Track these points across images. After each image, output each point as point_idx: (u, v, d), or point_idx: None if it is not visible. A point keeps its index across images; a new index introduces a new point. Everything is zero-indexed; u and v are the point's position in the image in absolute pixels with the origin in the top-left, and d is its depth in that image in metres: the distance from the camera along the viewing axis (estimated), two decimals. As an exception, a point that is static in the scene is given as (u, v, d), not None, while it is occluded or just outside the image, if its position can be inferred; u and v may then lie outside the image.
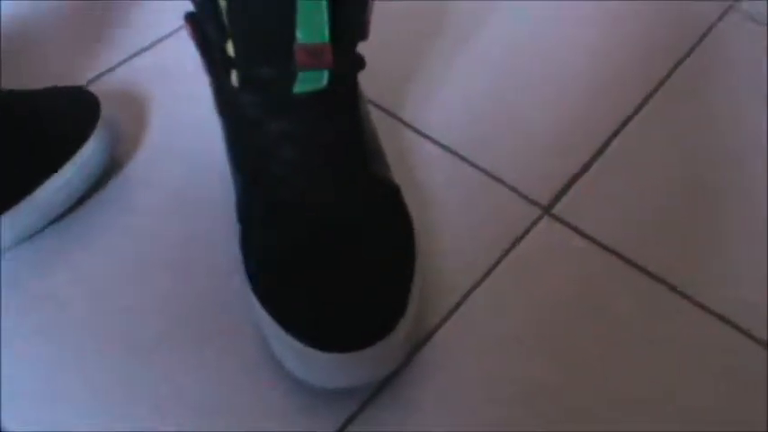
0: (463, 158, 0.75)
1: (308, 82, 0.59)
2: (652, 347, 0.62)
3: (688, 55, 0.84)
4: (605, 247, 0.68)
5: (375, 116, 0.78)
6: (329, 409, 0.58)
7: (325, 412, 0.58)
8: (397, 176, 0.72)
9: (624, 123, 0.78)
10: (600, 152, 0.76)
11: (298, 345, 0.55)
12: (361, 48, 0.75)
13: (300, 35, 0.57)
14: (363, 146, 0.63)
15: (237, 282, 0.64)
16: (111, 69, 0.80)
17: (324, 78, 0.60)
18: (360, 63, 0.65)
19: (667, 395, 0.60)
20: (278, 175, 0.60)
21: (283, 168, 0.60)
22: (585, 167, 0.74)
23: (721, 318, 0.64)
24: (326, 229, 0.58)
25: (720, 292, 0.65)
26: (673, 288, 0.65)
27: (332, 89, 0.60)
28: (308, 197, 0.59)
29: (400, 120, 0.78)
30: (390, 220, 0.61)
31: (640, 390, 0.60)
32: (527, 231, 0.69)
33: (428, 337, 0.62)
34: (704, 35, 0.86)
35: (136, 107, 0.77)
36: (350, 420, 0.58)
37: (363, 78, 0.78)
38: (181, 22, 0.83)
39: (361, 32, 0.62)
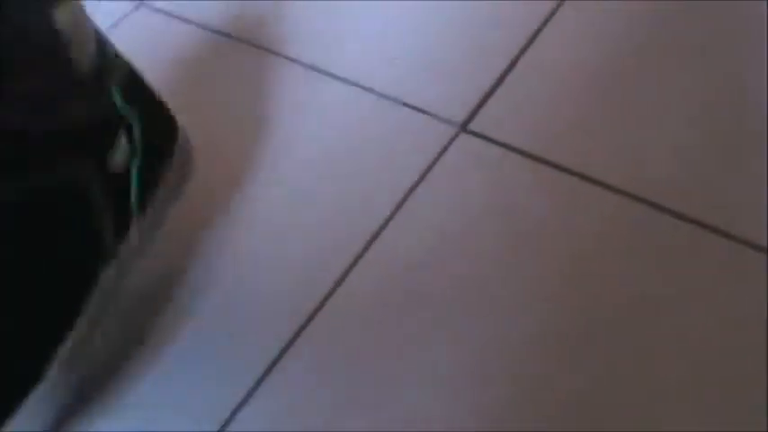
0: (372, 91, 0.76)
1: None
2: (577, 241, 0.63)
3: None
4: (523, 153, 0.69)
5: (276, 62, 0.79)
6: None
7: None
8: (311, 120, 0.74)
9: (532, 37, 0.79)
10: (511, 65, 0.76)
11: None
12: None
13: None
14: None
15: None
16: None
17: None
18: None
19: (586, 278, 0.61)
20: None
21: None
22: (498, 82, 0.75)
23: (632, 196, 0.65)
24: None
25: (632, 173, 0.67)
26: (588, 178, 0.67)
27: None
28: None
29: (303, 63, 0.79)
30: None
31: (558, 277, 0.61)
32: (444, 150, 0.70)
33: (350, 268, 0.64)
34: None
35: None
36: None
37: (249, 23, 0.82)
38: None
39: None
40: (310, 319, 0.61)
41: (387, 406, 0.55)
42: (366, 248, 0.64)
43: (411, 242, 0.64)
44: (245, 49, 0.81)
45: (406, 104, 0.74)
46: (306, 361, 0.59)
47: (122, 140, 0.53)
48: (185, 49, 0.81)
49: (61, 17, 0.46)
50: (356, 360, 0.58)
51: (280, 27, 0.83)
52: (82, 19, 0.50)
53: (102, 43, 0.53)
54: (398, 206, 0.67)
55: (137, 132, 0.55)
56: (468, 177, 0.68)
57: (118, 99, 0.53)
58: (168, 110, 0.60)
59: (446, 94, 0.75)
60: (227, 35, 0.83)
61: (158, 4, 0.86)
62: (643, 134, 0.69)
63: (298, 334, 0.60)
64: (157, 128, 0.58)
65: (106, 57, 0.53)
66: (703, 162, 0.67)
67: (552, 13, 0.81)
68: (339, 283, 0.63)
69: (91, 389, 0.55)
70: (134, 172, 0.55)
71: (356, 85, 0.77)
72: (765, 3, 0.77)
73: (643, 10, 0.79)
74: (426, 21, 0.82)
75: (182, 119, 0.67)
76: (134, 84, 0.56)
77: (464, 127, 0.72)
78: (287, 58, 0.80)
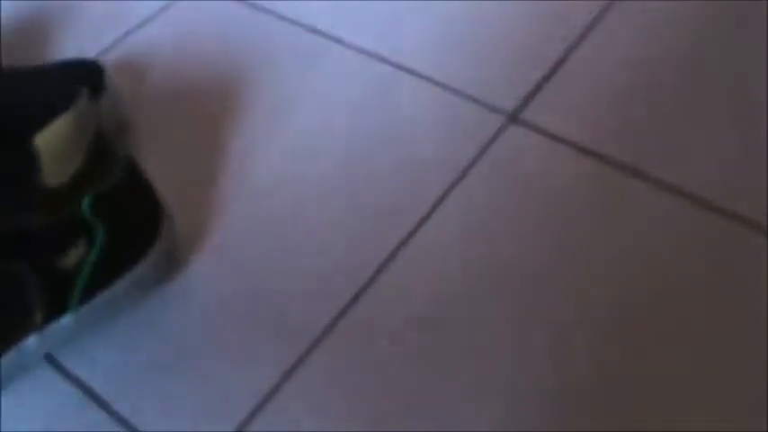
0: (424, 77, 0.77)
1: None
2: (619, 233, 0.64)
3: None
4: (571, 145, 0.70)
5: (329, 46, 0.81)
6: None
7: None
8: (360, 104, 0.75)
9: (585, 31, 0.78)
10: (563, 58, 0.76)
11: None
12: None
13: None
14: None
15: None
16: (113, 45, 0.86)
17: None
18: None
19: (627, 262, 0.62)
20: None
21: None
22: (550, 74, 0.75)
23: (680, 192, 0.66)
24: None
25: (681, 169, 0.67)
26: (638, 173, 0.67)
27: None
28: None
29: (356, 47, 0.81)
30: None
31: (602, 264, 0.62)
32: (493, 139, 0.71)
33: (390, 258, 0.65)
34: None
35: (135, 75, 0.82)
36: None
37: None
38: None
39: None
40: (355, 299, 0.62)
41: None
42: (410, 236, 0.65)
43: (454, 231, 0.65)
44: (305, 37, 0.83)
45: (456, 92, 0.75)
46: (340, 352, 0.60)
47: (79, 245, 0.55)
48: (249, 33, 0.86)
49: (43, 138, 0.51)
50: (399, 351, 0.59)
51: (335, 9, 0.85)
52: (78, 135, 0.53)
53: (99, 152, 0.55)
54: (446, 193, 0.68)
55: (99, 238, 0.56)
56: (516, 167, 0.69)
57: (87, 209, 0.55)
58: (156, 208, 0.61)
59: (497, 83, 0.75)
60: (290, 20, 0.86)
61: None
62: (689, 131, 0.69)
63: (344, 310, 0.62)
64: (133, 231, 0.59)
65: (95, 165, 0.55)
66: (745, 160, 0.67)
67: (604, 9, 0.80)
68: (380, 270, 0.63)
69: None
70: (85, 269, 0.56)
71: (408, 71, 0.77)
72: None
73: (694, 10, 0.78)
74: (482, 10, 0.82)
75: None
76: (117, 191, 0.57)
77: (514, 117, 0.72)
78: (339, 41, 0.82)
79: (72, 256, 0.55)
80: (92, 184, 0.54)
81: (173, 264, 0.63)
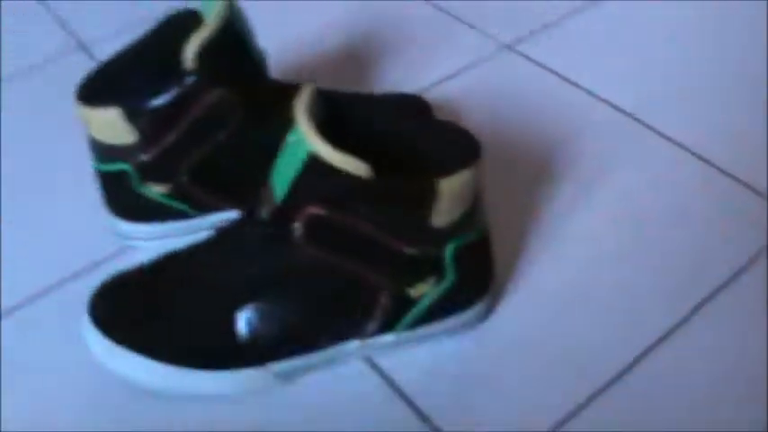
0: (706, 161, 0.79)
1: None
2: None
3: None
4: None
5: (618, 121, 0.83)
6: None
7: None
8: (633, 176, 0.77)
9: None
10: None
11: None
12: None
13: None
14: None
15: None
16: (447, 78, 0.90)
17: None
18: None
19: None
20: None
21: None
22: None
23: None
24: None
25: None
26: None
27: None
28: None
29: (654, 129, 0.83)
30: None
31: None
32: None
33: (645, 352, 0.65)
34: None
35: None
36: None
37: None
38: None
39: None
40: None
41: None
42: (686, 319, 0.66)
43: (719, 331, 0.65)
44: (608, 113, 0.85)
45: (740, 181, 0.76)
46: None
47: (430, 281, 0.61)
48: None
49: (448, 183, 0.56)
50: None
51: (640, 91, 0.87)
52: (471, 188, 0.58)
53: (476, 206, 0.61)
54: (727, 281, 0.68)
55: (448, 280, 0.62)
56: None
57: (448, 253, 0.60)
58: (491, 265, 0.66)
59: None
60: (600, 98, 0.87)
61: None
62: None
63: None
64: (473, 281, 0.64)
65: (470, 217, 0.61)
66: None
67: None
68: (666, 335, 0.65)
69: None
70: (424, 302, 0.62)
71: (702, 159, 0.79)
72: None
73: None
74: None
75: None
76: (474, 245, 0.62)
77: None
78: (645, 125, 0.84)
79: (420, 288, 0.62)
80: (462, 233, 0.60)
81: (489, 312, 0.68)
